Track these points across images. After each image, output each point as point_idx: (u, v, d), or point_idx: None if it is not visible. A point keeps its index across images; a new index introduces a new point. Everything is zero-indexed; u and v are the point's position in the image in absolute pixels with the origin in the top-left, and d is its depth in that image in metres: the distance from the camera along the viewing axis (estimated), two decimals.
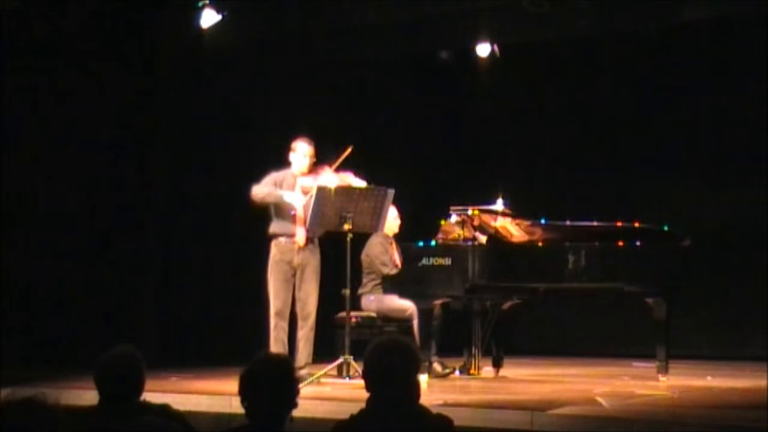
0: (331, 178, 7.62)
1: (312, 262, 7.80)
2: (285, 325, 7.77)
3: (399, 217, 8.58)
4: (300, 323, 7.80)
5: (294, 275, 7.79)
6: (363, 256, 8.49)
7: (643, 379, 7.90)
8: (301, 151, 7.78)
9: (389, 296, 8.18)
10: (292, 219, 7.70)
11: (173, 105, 9.94)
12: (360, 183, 7.69)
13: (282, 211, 7.77)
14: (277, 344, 7.68)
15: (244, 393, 3.56)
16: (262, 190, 7.75)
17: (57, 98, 9.17)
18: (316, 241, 7.84)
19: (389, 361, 3.50)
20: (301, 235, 7.70)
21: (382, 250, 8.39)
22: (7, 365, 7.79)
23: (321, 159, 7.85)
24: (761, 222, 10.16)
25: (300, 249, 7.74)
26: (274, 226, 7.81)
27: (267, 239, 7.83)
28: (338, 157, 7.71)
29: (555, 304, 10.05)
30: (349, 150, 7.67)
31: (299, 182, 7.70)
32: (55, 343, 8.82)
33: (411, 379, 3.52)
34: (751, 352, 9.79)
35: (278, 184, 7.78)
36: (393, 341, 3.68)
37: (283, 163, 7.95)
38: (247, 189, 7.91)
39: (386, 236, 8.47)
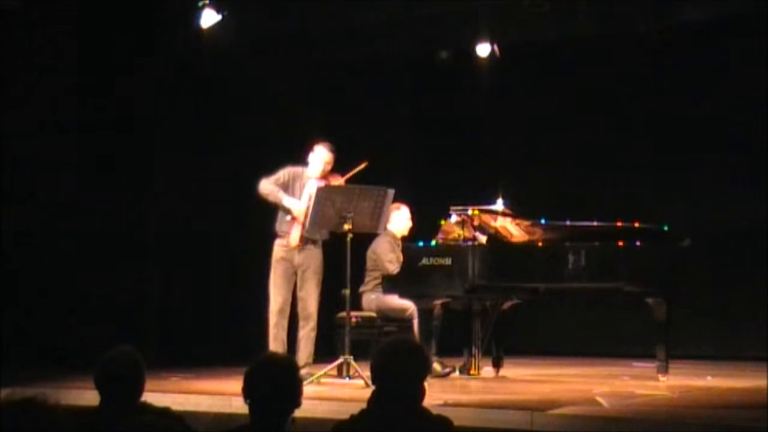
0: None
1: (313, 263, 7.84)
2: (285, 323, 7.80)
3: (411, 220, 8.58)
4: (301, 323, 7.84)
5: (295, 274, 7.82)
6: (369, 253, 8.49)
7: (643, 379, 7.90)
8: (320, 156, 7.82)
9: (389, 296, 8.18)
10: (293, 219, 7.75)
11: (173, 105, 9.93)
12: None
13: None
14: (276, 343, 7.70)
15: (247, 392, 3.57)
16: (267, 188, 7.81)
17: (56, 98, 9.17)
18: (319, 242, 7.87)
19: (398, 361, 3.51)
20: (295, 235, 7.74)
21: (390, 249, 8.39)
22: (7, 365, 7.78)
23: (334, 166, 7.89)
24: (761, 222, 10.16)
25: (301, 249, 7.77)
26: (278, 224, 7.87)
27: (272, 236, 7.89)
28: (352, 169, 7.75)
29: (555, 304, 10.04)
30: (363, 165, 7.71)
31: (310, 185, 7.73)
32: (56, 343, 8.81)
33: (416, 382, 3.52)
34: (751, 352, 9.79)
35: (291, 179, 7.86)
36: (406, 343, 3.70)
37: (283, 163, 7.96)
38: (247, 189, 7.93)
39: (395, 237, 8.48)
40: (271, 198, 7.81)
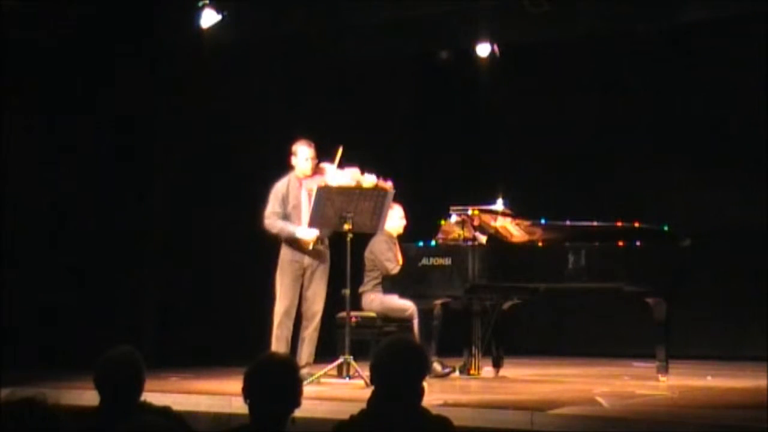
0: (337, 175, 7.66)
1: (322, 263, 7.85)
2: (290, 324, 7.81)
3: (405, 218, 8.59)
4: (304, 323, 7.84)
5: (303, 275, 7.83)
6: (366, 254, 8.49)
7: (643, 379, 7.90)
8: (303, 155, 7.81)
9: (390, 296, 8.18)
10: (299, 221, 7.74)
11: (173, 105, 9.93)
12: (369, 177, 7.70)
13: (292, 213, 7.79)
14: (279, 342, 7.70)
15: (247, 391, 3.57)
16: (275, 226, 7.80)
17: (56, 99, 9.17)
18: (327, 241, 7.88)
19: (397, 361, 3.51)
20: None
21: (387, 248, 8.39)
22: (7, 365, 7.78)
23: (320, 159, 7.87)
24: (761, 222, 10.16)
25: (310, 250, 7.77)
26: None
27: (276, 238, 7.88)
28: (332, 159, 7.75)
29: (555, 304, 10.04)
30: (340, 150, 7.71)
31: (305, 185, 7.73)
32: (56, 343, 8.81)
33: (416, 383, 3.52)
34: (751, 352, 9.78)
35: (284, 197, 7.81)
36: (405, 342, 3.70)
37: (283, 162, 7.96)
38: (248, 188, 7.94)
39: (390, 236, 8.48)
40: (284, 234, 7.80)
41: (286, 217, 7.82)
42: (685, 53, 10.72)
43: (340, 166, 7.77)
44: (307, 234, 7.70)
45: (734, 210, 10.48)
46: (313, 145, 7.83)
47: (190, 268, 9.91)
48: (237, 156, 10.00)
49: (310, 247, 7.74)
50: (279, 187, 7.86)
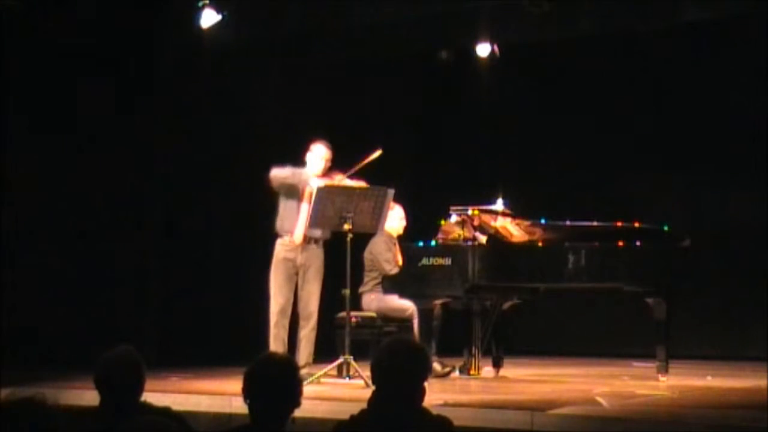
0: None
1: (315, 263, 7.84)
2: (286, 323, 7.80)
3: (405, 218, 8.58)
4: (301, 323, 7.83)
5: (297, 274, 7.82)
6: (366, 254, 8.49)
7: (643, 379, 7.91)
8: (319, 154, 7.80)
9: (389, 296, 8.18)
10: (297, 216, 7.72)
11: (173, 105, 9.93)
12: None
13: (289, 207, 7.78)
14: (276, 342, 7.70)
15: (247, 392, 3.57)
16: (284, 170, 7.73)
17: (56, 99, 9.17)
18: (321, 242, 7.86)
19: (398, 362, 3.51)
20: (299, 233, 7.73)
21: (386, 248, 8.38)
22: (7, 365, 7.78)
23: (334, 162, 7.87)
24: (761, 222, 10.16)
25: (304, 248, 7.77)
26: (280, 223, 7.84)
27: (273, 236, 7.87)
28: (364, 158, 7.69)
29: (555, 304, 10.04)
30: (377, 153, 7.65)
31: (311, 183, 7.72)
32: (56, 343, 8.81)
33: (416, 382, 3.52)
34: (751, 352, 9.79)
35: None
36: (406, 343, 3.70)
37: (283, 162, 7.96)
38: (247, 189, 7.93)
39: (390, 236, 8.48)
40: (293, 179, 7.74)
41: (285, 201, 7.80)
42: (685, 53, 10.72)
43: (354, 175, 7.73)
44: (317, 184, 7.58)
45: (734, 210, 10.48)
46: (331, 149, 7.82)
47: (190, 268, 9.91)
48: (237, 156, 10.00)
49: (297, 241, 7.72)
50: (293, 168, 7.82)
